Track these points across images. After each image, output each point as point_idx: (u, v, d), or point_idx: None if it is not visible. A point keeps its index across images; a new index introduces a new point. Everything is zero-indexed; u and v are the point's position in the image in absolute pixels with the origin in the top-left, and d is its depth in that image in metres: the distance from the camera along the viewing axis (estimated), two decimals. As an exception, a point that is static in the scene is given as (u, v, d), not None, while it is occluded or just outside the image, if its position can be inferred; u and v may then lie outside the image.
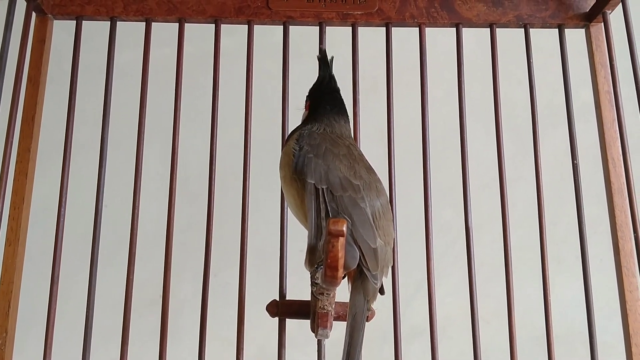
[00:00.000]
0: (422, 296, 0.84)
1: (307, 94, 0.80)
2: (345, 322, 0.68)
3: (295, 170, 0.70)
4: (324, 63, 0.79)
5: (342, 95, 0.79)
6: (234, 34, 1.00)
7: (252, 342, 0.81)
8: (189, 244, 1.09)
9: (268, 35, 1.02)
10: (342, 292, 0.69)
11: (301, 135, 0.73)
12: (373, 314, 0.79)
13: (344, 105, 0.79)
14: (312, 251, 0.65)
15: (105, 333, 0.85)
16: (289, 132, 0.80)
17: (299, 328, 0.93)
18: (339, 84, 0.80)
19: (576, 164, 0.87)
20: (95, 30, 0.97)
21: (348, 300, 0.69)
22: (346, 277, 0.69)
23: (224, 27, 0.92)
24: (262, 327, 1.03)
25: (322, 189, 0.67)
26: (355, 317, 0.66)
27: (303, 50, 0.98)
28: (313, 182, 0.68)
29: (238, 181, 0.86)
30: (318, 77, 0.80)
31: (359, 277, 0.67)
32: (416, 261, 0.91)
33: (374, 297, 0.69)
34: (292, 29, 0.92)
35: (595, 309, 0.83)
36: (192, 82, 0.96)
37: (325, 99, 0.77)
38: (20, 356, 0.83)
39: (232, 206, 0.92)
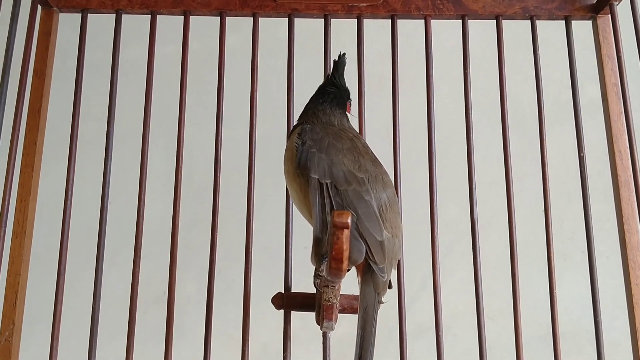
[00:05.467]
0: (427, 293, 0.84)
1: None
2: (351, 315, 0.68)
3: (298, 165, 0.70)
4: (337, 65, 0.78)
5: (344, 89, 0.78)
6: (238, 31, 0.99)
7: (255, 339, 0.81)
8: (193, 242, 1.09)
9: (272, 31, 1.02)
10: (347, 284, 0.69)
11: (303, 129, 0.73)
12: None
13: (340, 96, 0.78)
14: (317, 245, 0.65)
15: (108, 330, 0.85)
16: (293, 126, 0.79)
17: (303, 325, 0.93)
18: (345, 79, 0.79)
19: (583, 156, 0.87)
20: (100, 27, 0.97)
21: (353, 293, 0.69)
22: (353, 270, 0.69)
23: (228, 24, 0.92)
24: (265, 324, 1.03)
25: (326, 183, 0.67)
26: (367, 310, 0.66)
27: (308, 46, 0.98)
28: (317, 177, 0.68)
29: (242, 178, 0.86)
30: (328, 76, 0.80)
31: (369, 271, 0.67)
32: (421, 258, 0.91)
33: (385, 290, 0.69)
34: (297, 26, 0.92)
35: (602, 307, 0.83)
36: (196, 79, 0.96)
37: (322, 92, 0.77)
38: (26, 352, 0.84)
39: (236, 203, 0.92)
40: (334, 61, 0.79)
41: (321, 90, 0.78)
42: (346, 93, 0.79)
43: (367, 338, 0.65)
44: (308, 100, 0.79)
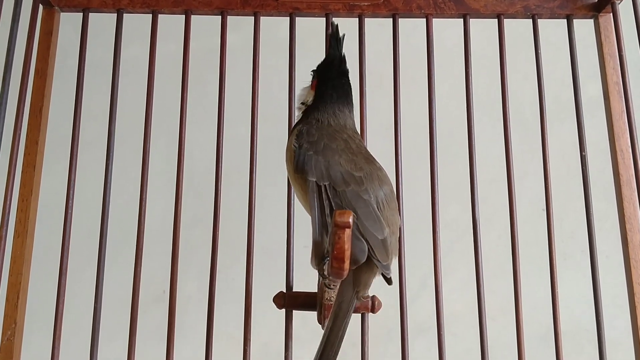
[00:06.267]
0: (427, 293, 0.84)
1: (314, 69, 0.79)
2: (353, 314, 0.67)
3: (296, 168, 0.70)
4: (335, 40, 0.77)
5: (349, 78, 0.78)
6: (238, 30, 0.99)
7: (256, 338, 0.81)
8: (193, 241, 1.09)
9: (273, 30, 1.01)
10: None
11: (300, 132, 0.73)
12: (380, 305, 0.79)
13: (351, 92, 0.77)
14: (317, 248, 0.65)
15: (108, 330, 0.85)
16: (294, 124, 0.79)
17: (303, 324, 0.93)
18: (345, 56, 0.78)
19: (584, 155, 0.87)
20: (101, 27, 0.97)
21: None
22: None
23: (229, 23, 0.91)
24: (266, 324, 1.03)
25: (325, 185, 0.67)
26: (341, 305, 0.66)
27: (309, 45, 0.98)
28: (314, 179, 0.68)
29: (242, 177, 0.86)
30: (328, 55, 0.79)
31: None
32: (421, 257, 0.91)
33: (365, 288, 0.68)
34: (298, 24, 0.92)
35: (602, 306, 0.83)
36: (197, 79, 0.96)
37: (332, 84, 0.76)
38: (27, 351, 0.84)
39: (236, 203, 0.92)
40: (332, 37, 0.77)
41: (327, 84, 0.76)
42: (346, 78, 0.77)
43: (335, 332, 0.65)
44: (315, 91, 0.77)
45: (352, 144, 0.72)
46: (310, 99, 0.77)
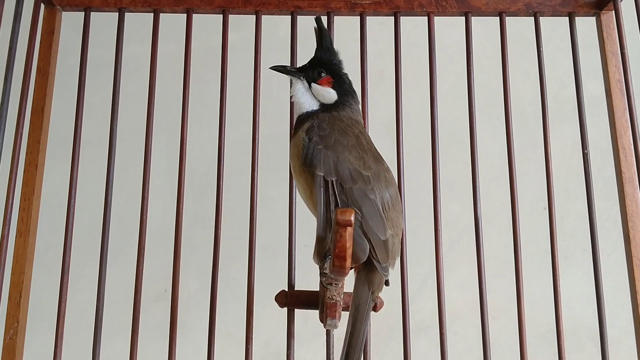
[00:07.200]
0: (427, 291, 0.84)
1: (314, 64, 0.77)
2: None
3: (304, 161, 0.69)
4: (325, 35, 0.77)
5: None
6: (238, 29, 0.99)
7: (257, 337, 0.81)
8: (194, 240, 1.09)
9: (274, 29, 1.01)
10: (351, 282, 0.69)
11: (312, 126, 0.72)
12: (382, 304, 0.79)
13: (352, 87, 0.78)
14: (320, 243, 0.65)
15: (110, 328, 0.86)
16: (297, 117, 0.77)
17: (304, 323, 0.93)
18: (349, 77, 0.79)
19: (587, 153, 0.86)
20: (102, 26, 0.97)
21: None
22: (353, 268, 0.69)
23: (230, 22, 0.91)
24: (266, 323, 1.03)
25: (332, 181, 0.67)
26: (359, 307, 0.66)
27: (310, 44, 0.98)
28: (322, 174, 0.67)
29: (243, 176, 0.86)
30: (328, 50, 0.78)
31: (364, 269, 0.67)
32: (421, 256, 0.91)
33: (379, 289, 0.69)
34: (299, 23, 0.91)
35: (604, 304, 0.82)
36: (198, 78, 0.96)
37: (348, 80, 0.77)
38: (28, 350, 0.84)
39: (235, 201, 0.92)
40: (322, 33, 0.77)
41: (344, 80, 0.77)
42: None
43: (357, 336, 0.65)
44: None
45: (363, 141, 0.72)
46: (326, 95, 0.76)
